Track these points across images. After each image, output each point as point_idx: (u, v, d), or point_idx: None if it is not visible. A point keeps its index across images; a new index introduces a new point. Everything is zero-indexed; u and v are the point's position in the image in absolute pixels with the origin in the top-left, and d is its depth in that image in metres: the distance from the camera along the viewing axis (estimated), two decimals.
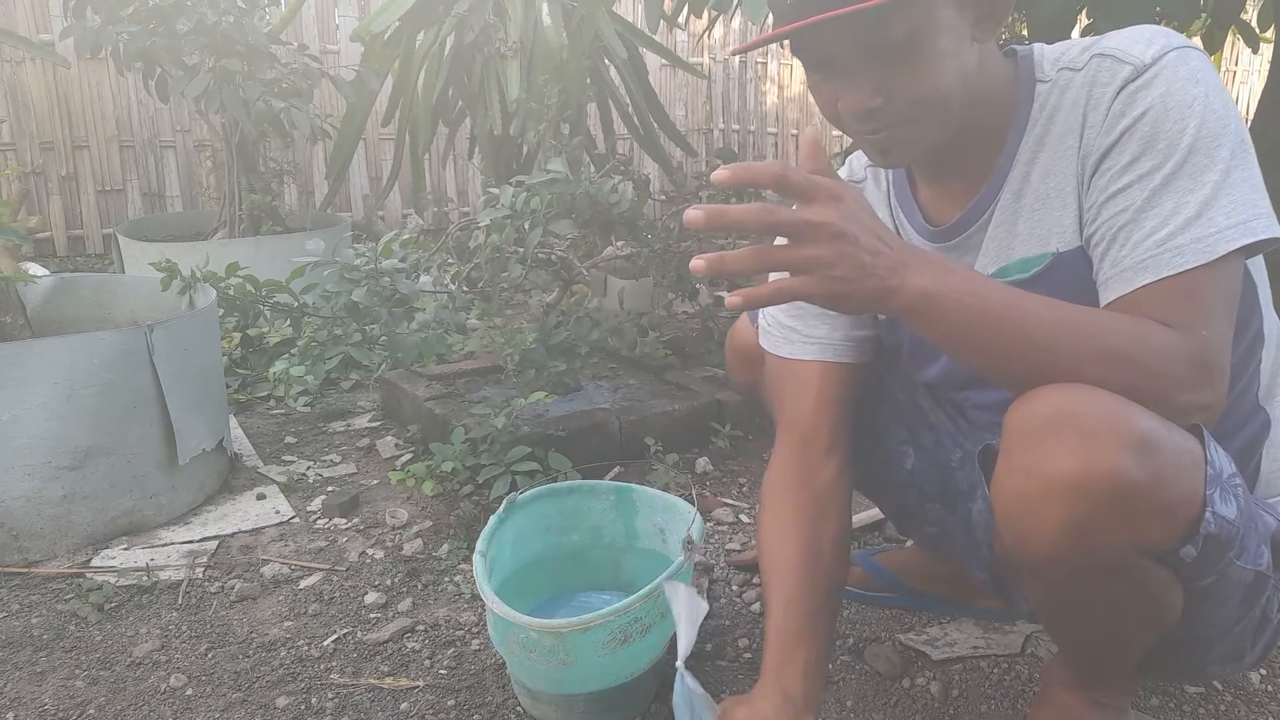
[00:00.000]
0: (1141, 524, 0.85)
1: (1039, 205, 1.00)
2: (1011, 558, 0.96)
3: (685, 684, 1.08)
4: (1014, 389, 0.91)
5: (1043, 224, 1.00)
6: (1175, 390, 0.87)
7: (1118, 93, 0.92)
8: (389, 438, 2.33)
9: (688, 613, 1.08)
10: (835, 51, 0.94)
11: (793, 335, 1.17)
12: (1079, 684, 1.14)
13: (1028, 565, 0.95)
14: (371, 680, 1.39)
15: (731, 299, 0.81)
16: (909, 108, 0.95)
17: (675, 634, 1.10)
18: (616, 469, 2.08)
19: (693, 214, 0.77)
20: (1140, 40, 0.94)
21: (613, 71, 3.93)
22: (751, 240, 1.86)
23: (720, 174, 0.80)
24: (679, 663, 1.07)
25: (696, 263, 0.81)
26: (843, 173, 1.19)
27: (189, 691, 1.38)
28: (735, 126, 6.69)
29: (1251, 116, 4.03)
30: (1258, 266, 1.03)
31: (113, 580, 1.68)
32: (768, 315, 1.20)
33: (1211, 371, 0.88)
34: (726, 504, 1.95)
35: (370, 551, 1.78)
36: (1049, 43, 1.02)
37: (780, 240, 0.84)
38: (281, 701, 1.35)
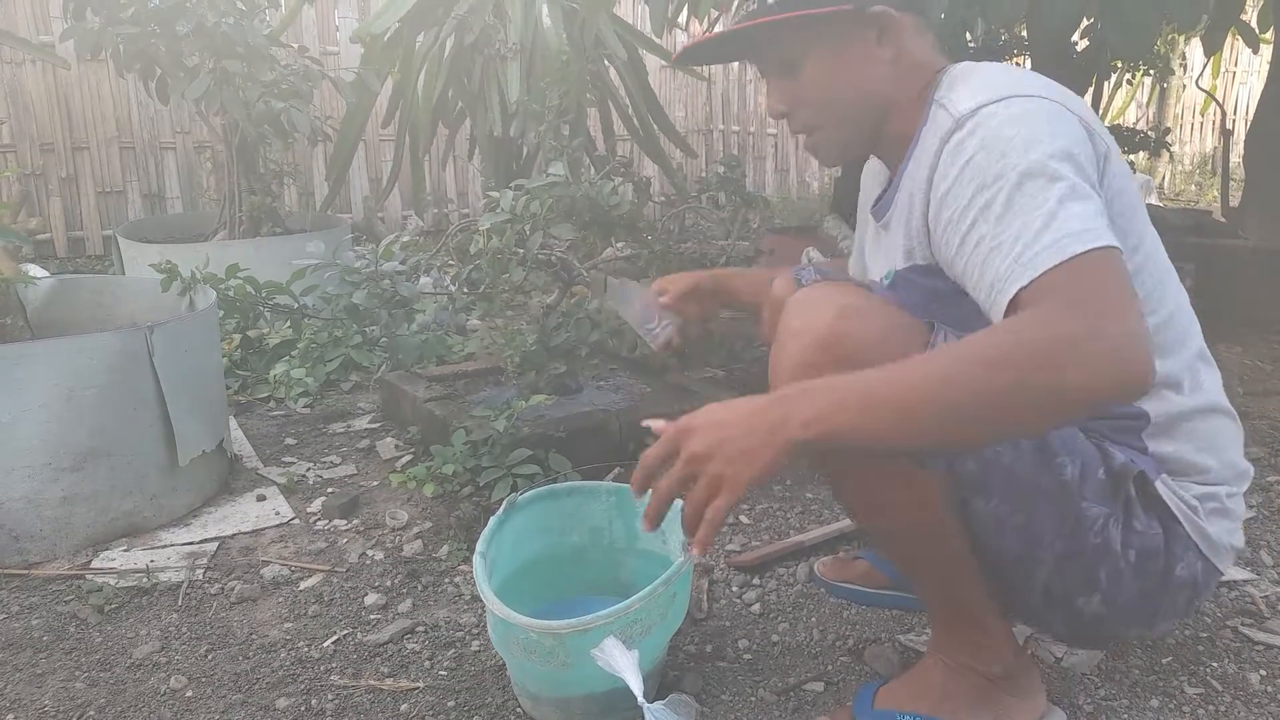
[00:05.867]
0: (845, 370, 0.98)
1: (898, 224, 1.17)
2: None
3: (654, 716, 1.11)
4: (957, 449, 1.03)
5: (896, 243, 1.17)
6: (1080, 348, 0.86)
7: (943, 144, 1.05)
8: (389, 439, 2.33)
9: (623, 662, 1.10)
10: (757, 63, 1.21)
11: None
12: (944, 648, 1.21)
13: None
14: (371, 681, 1.39)
15: (692, 551, 0.95)
16: (810, 117, 1.19)
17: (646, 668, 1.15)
18: (616, 470, 2.08)
19: (643, 526, 1.01)
20: (969, 94, 1.06)
21: (613, 73, 3.93)
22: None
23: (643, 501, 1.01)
24: (640, 700, 1.08)
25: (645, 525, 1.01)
26: None
27: (189, 693, 1.38)
28: (735, 128, 6.70)
29: (1252, 116, 4.03)
30: None
31: (113, 582, 1.68)
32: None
33: (1105, 315, 0.88)
34: None
35: (370, 553, 1.78)
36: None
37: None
38: (282, 703, 1.35)
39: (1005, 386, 0.86)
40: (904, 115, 1.15)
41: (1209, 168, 8.06)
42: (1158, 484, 1.10)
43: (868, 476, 1.11)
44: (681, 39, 6.12)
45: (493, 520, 1.38)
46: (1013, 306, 0.93)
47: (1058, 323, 0.87)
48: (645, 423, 1.06)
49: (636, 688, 1.09)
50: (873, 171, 1.36)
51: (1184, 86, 7.73)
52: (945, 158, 1.04)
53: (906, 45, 1.14)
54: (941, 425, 0.89)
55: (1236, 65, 8.19)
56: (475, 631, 1.52)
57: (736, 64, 6.53)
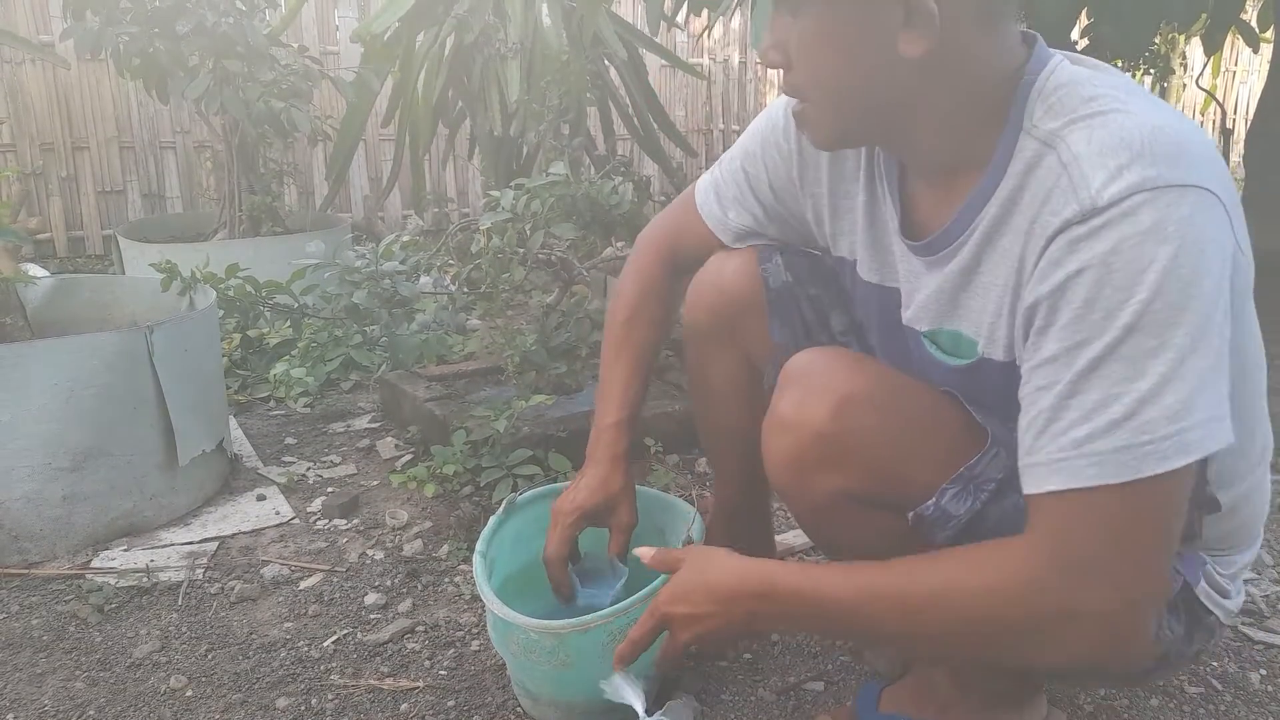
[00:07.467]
0: (839, 470, 0.98)
1: (981, 292, 0.92)
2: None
3: None
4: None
5: (981, 314, 0.93)
6: (1068, 626, 0.81)
7: (1057, 233, 0.79)
8: (389, 439, 2.33)
9: (631, 693, 1.10)
10: None
11: (715, 206, 1.24)
12: None
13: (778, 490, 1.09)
14: (371, 681, 1.39)
15: (659, 664, 1.06)
16: (802, 83, 0.92)
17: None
18: None
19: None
20: (1110, 164, 0.77)
21: (612, 72, 3.93)
22: None
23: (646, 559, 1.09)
24: (641, 715, 1.09)
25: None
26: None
27: (189, 693, 1.38)
28: (735, 127, 6.69)
29: (1251, 116, 4.03)
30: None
31: (113, 581, 1.68)
32: (717, 177, 1.24)
33: (1121, 579, 0.79)
34: None
35: (370, 552, 1.78)
36: (1049, 41, 0.91)
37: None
38: (281, 702, 1.35)
39: (968, 641, 0.87)
40: (951, 132, 0.89)
41: None
42: (1199, 588, 0.97)
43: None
44: (681, 38, 6.12)
45: (493, 520, 1.38)
46: (1035, 501, 0.81)
47: (1058, 589, 0.79)
48: (636, 551, 1.11)
49: (639, 706, 1.09)
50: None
51: (1184, 86, 7.72)
52: (1054, 251, 0.79)
53: (951, 45, 0.82)
54: (897, 646, 1.02)
55: (1237, 64, 8.18)
56: (475, 631, 1.51)
57: (737, 63, 6.53)
